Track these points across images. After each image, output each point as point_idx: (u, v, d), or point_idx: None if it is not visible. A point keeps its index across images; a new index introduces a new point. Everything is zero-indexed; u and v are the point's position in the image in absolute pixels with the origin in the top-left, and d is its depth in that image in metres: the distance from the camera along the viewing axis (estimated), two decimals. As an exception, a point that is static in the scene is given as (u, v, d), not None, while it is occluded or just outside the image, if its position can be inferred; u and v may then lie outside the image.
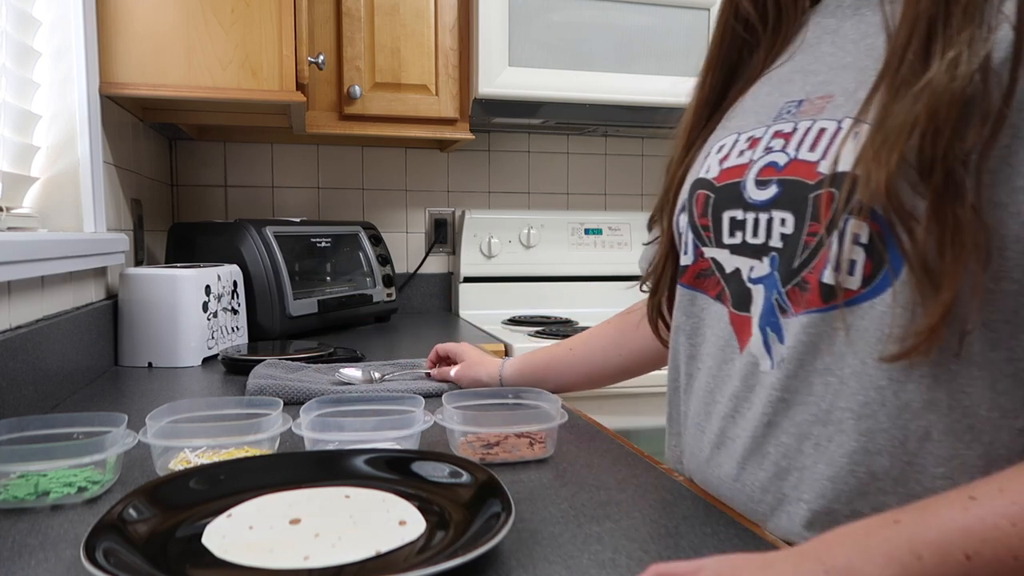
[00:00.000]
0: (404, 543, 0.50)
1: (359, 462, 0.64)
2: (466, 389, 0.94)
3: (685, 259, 0.67)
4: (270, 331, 1.50)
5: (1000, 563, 0.40)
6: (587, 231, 2.13)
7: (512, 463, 0.72)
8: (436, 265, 2.16)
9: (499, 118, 1.88)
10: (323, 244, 1.73)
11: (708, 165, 0.65)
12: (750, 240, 0.59)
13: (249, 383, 0.99)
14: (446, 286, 2.17)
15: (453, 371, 1.04)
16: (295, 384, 0.98)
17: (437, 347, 1.09)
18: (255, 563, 0.47)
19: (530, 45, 1.74)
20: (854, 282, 0.51)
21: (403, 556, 0.49)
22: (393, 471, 0.63)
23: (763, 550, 0.52)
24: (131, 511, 0.53)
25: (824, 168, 0.53)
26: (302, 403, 0.89)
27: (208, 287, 1.29)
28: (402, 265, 2.12)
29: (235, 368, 1.18)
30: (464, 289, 2.06)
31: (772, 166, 0.58)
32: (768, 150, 0.59)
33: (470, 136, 1.83)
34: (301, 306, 1.56)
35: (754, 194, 0.59)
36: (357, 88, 1.71)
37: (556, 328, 1.74)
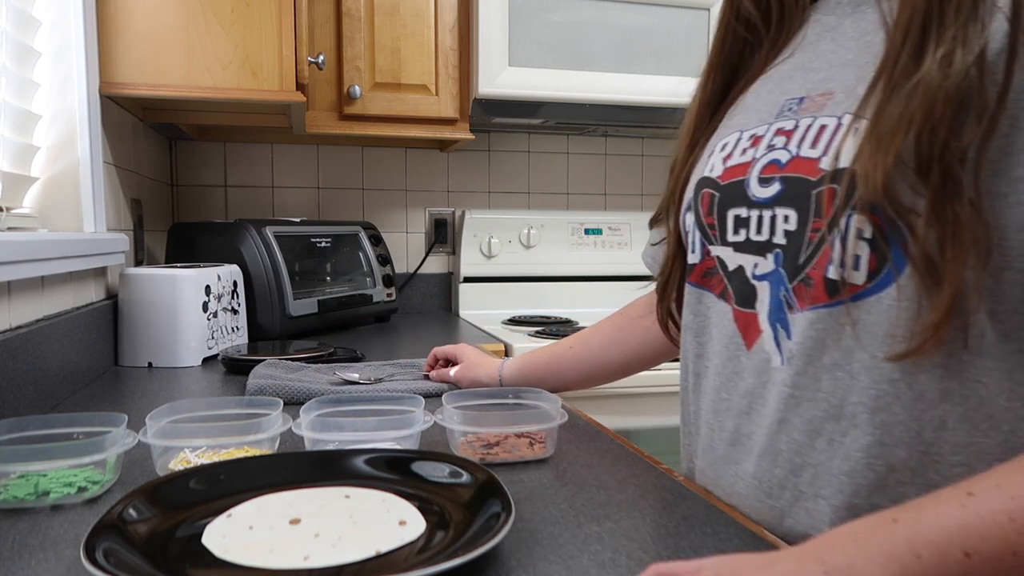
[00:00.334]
0: (404, 543, 0.50)
1: (359, 462, 0.64)
2: (466, 389, 0.94)
3: (692, 257, 0.68)
4: (270, 331, 1.50)
5: (999, 559, 0.41)
6: (587, 231, 2.13)
7: (512, 463, 0.72)
8: (436, 265, 2.16)
9: (499, 118, 1.88)
10: (323, 244, 1.73)
11: (712, 164, 0.66)
12: (754, 237, 0.60)
13: (249, 383, 0.99)
14: (446, 286, 2.17)
15: (452, 372, 1.04)
16: (295, 384, 0.98)
17: (435, 350, 1.09)
18: (255, 563, 0.47)
19: (530, 45, 1.74)
20: (859, 277, 0.51)
21: (403, 556, 0.49)
22: (393, 471, 0.63)
23: (763, 550, 0.52)
24: (131, 511, 0.53)
25: (825, 164, 0.54)
26: (302, 403, 0.89)
27: (208, 287, 1.29)
28: (402, 265, 2.12)
29: (235, 368, 1.18)
30: (464, 289, 2.06)
31: (775, 163, 0.58)
32: (770, 148, 0.59)
33: (470, 136, 1.83)
34: (301, 306, 1.56)
35: (757, 192, 0.59)
36: (357, 88, 1.71)
37: (556, 328, 1.74)
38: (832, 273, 0.53)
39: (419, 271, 2.14)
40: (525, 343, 1.57)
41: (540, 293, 2.09)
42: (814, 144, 0.55)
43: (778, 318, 0.57)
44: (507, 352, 1.54)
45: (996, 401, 0.50)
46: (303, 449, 0.71)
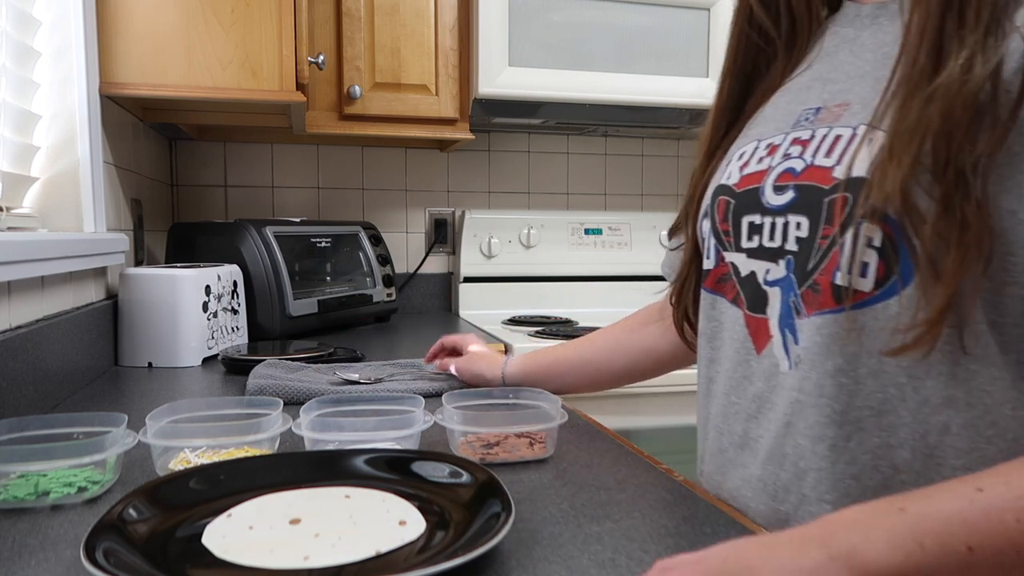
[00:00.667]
0: (404, 543, 0.50)
1: (359, 462, 0.64)
2: (466, 389, 0.94)
3: (707, 263, 0.68)
4: (270, 331, 1.50)
5: (1002, 555, 0.41)
6: (587, 231, 2.13)
7: (512, 463, 0.72)
8: (436, 265, 2.16)
9: (499, 118, 1.88)
10: (323, 244, 1.73)
11: (729, 172, 0.67)
12: (767, 244, 0.60)
13: (249, 383, 0.99)
14: (446, 286, 2.17)
15: (453, 366, 1.03)
16: (295, 384, 0.98)
17: (443, 339, 1.09)
18: (255, 563, 0.47)
19: (530, 45, 1.74)
20: (867, 284, 0.52)
21: (403, 556, 0.49)
22: (393, 471, 0.63)
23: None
24: (131, 511, 0.53)
25: (839, 173, 0.54)
26: (302, 403, 0.89)
27: (208, 287, 1.29)
28: (402, 265, 2.12)
29: (235, 368, 1.18)
30: (464, 289, 2.06)
31: (789, 172, 0.59)
32: (786, 156, 0.60)
33: (470, 136, 1.83)
34: (301, 306, 1.56)
35: (772, 199, 0.60)
36: (357, 88, 1.71)
37: (556, 328, 1.74)
38: (839, 279, 0.53)
39: (419, 271, 2.14)
40: (525, 343, 1.57)
41: (540, 293, 2.09)
42: (828, 153, 0.56)
43: (787, 323, 0.58)
44: (507, 352, 1.54)
45: (1001, 410, 0.51)
46: (303, 449, 0.71)
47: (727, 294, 0.65)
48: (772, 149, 0.62)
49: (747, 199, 0.63)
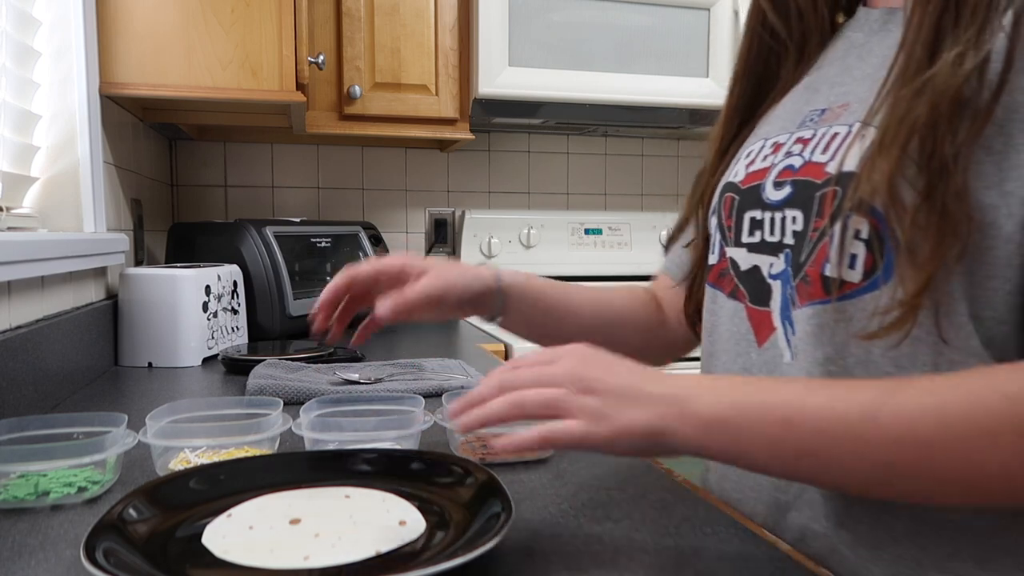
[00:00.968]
0: (404, 543, 0.50)
1: (359, 462, 0.64)
2: (466, 390, 0.92)
3: (712, 258, 0.70)
4: (270, 331, 1.50)
5: (816, 442, 0.46)
6: (587, 231, 2.13)
7: (512, 463, 0.72)
8: (436, 265, 2.16)
9: (499, 118, 1.88)
10: (323, 244, 1.73)
11: (736, 170, 0.68)
12: (768, 238, 0.62)
13: (249, 383, 0.99)
14: (446, 286, 2.17)
15: (421, 283, 0.73)
16: (295, 384, 0.98)
17: (348, 272, 0.80)
18: (255, 563, 0.47)
19: (530, 45, 1.75)
20: (855, 275, 0.53)
21: (403, 556, 0.49)
22: (393, 471, 0.63)
23: (763, 550, 0.52)
24: (131, 511, 0.53)
25: (831, 168, 0.56)
26: (302, 403, 0.89)
27: (208, 287, 1.29)
28: (402, 265, 2.12)
29: (235, 368, 1.18)
30: (464, 289, 2.06)
31: (789, 168, 0.61)
32: (788, 154, 0.62)
33: (470, 136, 1.83)
34: (301, 306, 1.56)
35: (771, 195, 0.62)
36: (357, 88, 1.71)
37: (556, 328, 1.74)
38: (828, 271, 0.54)
39: (419, 271, 2.14)
40: (525, 343, 1.56)
41: (540, 293, 2.09)
42: (825, 150, 0.58)
43: (786, 315, 0.59)
44: (507, 353, 1.54)
45: None
46: (303, 449, 0.71)
47: (724, 288, 0.67)
48: (777, 147, 0.64)
49: (750, 195, 0.65)
